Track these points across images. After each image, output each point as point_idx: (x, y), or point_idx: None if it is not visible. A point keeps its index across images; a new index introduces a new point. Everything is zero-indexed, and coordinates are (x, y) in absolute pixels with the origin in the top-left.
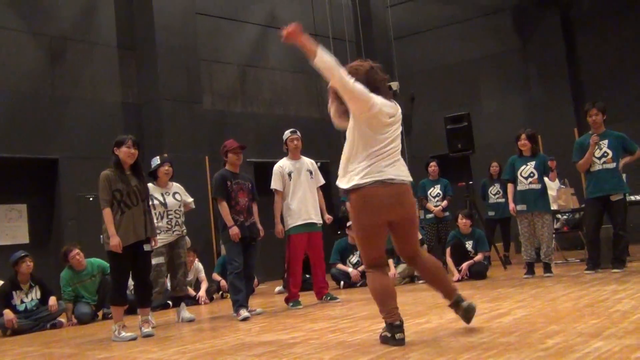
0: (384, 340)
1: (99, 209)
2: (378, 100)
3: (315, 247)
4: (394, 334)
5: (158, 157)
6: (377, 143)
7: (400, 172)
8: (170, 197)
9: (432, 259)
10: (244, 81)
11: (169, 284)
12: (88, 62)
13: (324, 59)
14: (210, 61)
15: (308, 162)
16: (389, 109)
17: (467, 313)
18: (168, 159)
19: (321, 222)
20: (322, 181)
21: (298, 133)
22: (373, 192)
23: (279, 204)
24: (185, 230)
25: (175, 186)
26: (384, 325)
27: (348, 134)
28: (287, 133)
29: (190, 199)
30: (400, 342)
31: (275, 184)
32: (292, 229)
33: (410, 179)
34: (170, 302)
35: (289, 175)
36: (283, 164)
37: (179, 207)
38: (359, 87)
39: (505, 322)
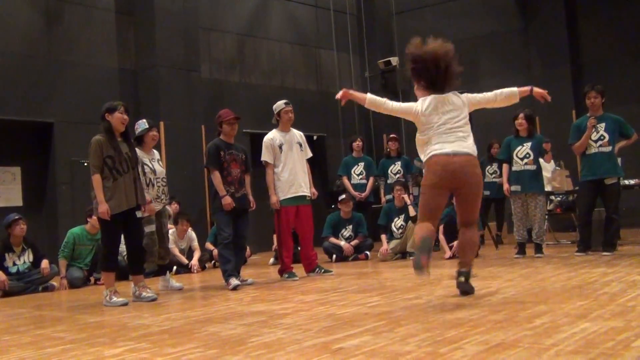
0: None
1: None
2: (419, 106)
3: (303, 220)
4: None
5: (144, 120)
6: (434, 128)
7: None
8: (157, 163)
9: (473, 236)
10: (242, 51)
11: None
12: (85, 26)
13: (371, 102)
14: (209, 29)
15: (297, 134)
16: (438, 103)
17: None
18: (154, 124)
19: (310, 195)
20: (310, 154)
21: (291, 104)
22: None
23: (270, 175)
24: (167, 199)
25: (156, 153)
26: (458, 274)
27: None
28: (280, 104)
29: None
30: None
31: (265, 156)
32: (282, 202)
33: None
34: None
35: (280, 147)
36: (273, 136)
37: (164, 174)
38: (398, 106)
39: (494, 300)
